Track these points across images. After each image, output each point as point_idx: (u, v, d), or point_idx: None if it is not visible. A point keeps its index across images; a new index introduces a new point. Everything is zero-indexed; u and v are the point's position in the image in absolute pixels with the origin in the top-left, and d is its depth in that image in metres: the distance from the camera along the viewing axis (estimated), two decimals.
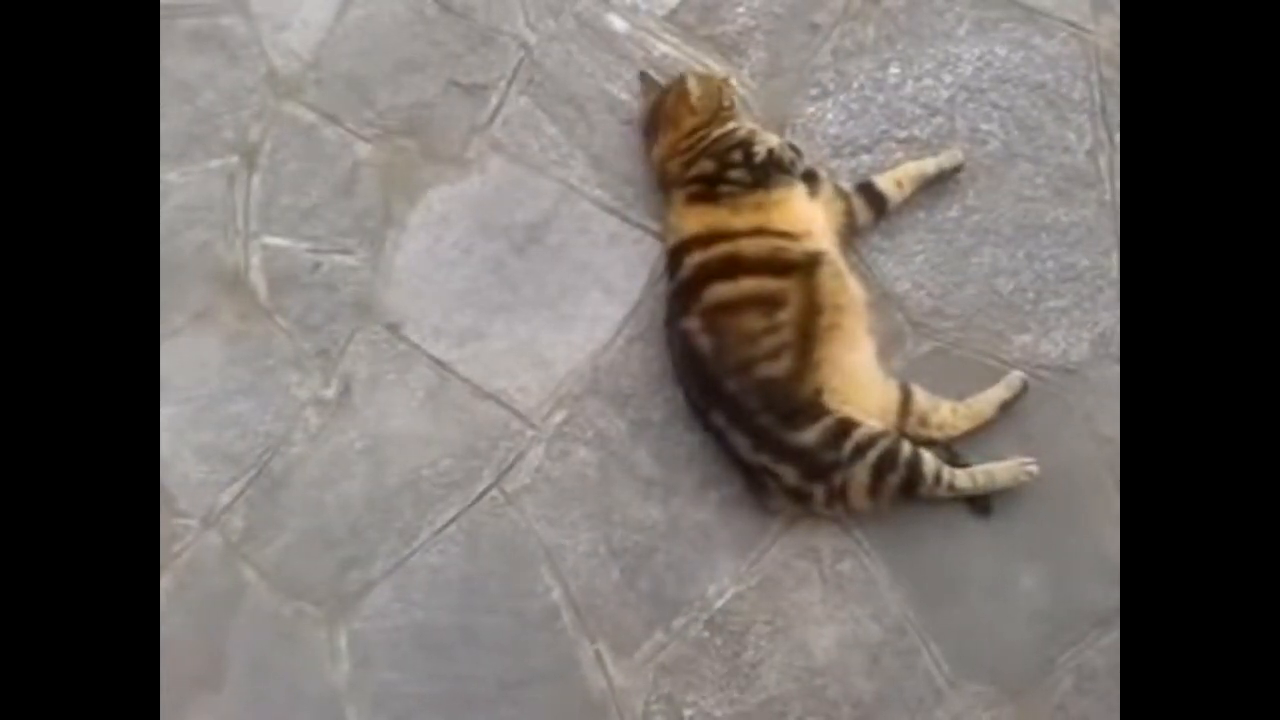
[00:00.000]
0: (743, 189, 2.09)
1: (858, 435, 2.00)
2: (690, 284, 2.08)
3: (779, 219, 2.08)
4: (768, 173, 2.09)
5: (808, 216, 2.09)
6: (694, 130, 2.13)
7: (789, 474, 2.03)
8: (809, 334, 2.03)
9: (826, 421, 2.00)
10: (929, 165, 2.15)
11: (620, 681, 2.11)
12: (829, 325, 2.03)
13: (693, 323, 2.07)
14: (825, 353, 2.03)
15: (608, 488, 2.14)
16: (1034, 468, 2.03)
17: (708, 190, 2.11)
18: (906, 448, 2.01)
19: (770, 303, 2.04)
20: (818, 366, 2.02)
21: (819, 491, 2.03)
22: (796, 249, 2.06)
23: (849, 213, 2.13)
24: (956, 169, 2.15)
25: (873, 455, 1.99)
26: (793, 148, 2.13)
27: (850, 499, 2.02)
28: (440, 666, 2.13)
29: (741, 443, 2.05)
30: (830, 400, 2.02)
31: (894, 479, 2.00)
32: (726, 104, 2.14)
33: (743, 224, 2.08)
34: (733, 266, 2.06)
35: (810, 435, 2.00)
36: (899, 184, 2.14)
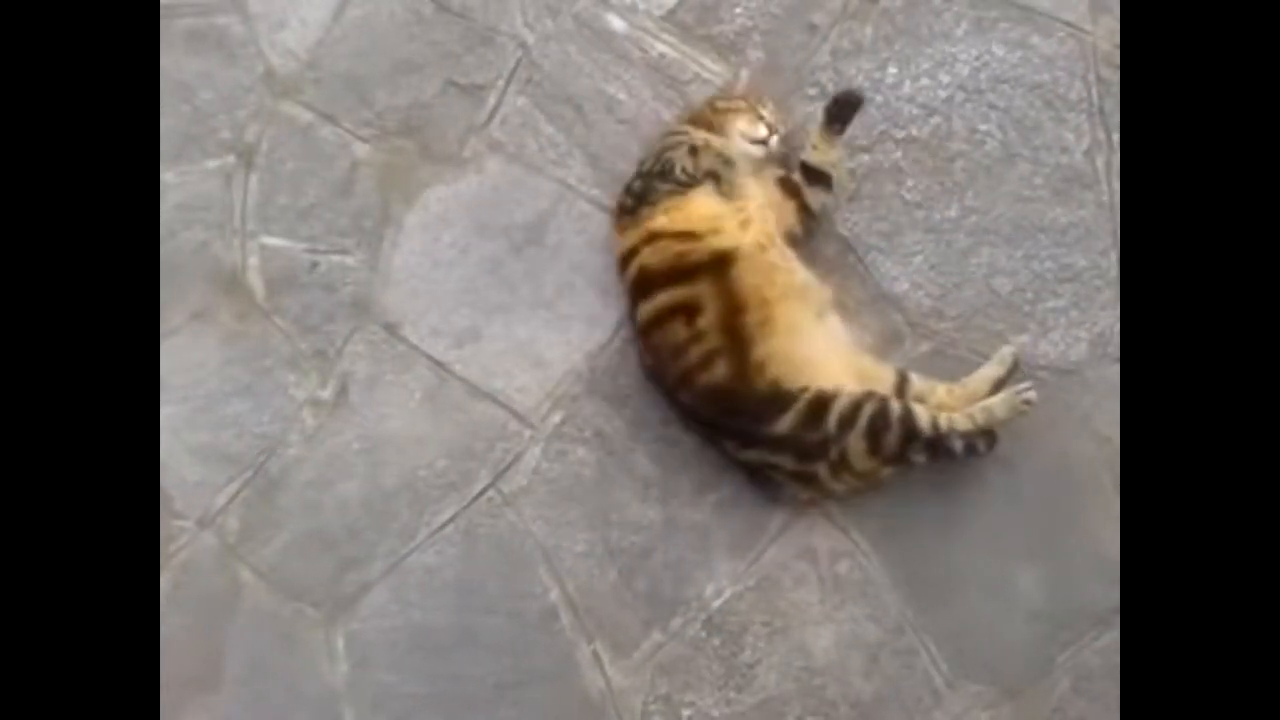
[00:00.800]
0: (634, 201, 2.10)
1: (839, 407, 1.98)
2: (629, 303, 2.10)
3: (669, 222, 2.06)
4: (652, 185, 2.08)
5: (712, 215, 2.05)
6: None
7: (786, 461, 2.03)
8: (738, 336, 2.01)
9: (797, 405, 1.99)
10: (820, 115, 2.10)
11: (618, 682, 2.11)
12: (759, 321, 2.01)
13: (640, 342, 2.10)
14: (766, 349, 2.00)
15: (605, 488, 2.14)
16: (1031, 394, 2.01)
17: (622, 201, 2.13)
18: (896, 405, 1.99)
19: (688, 310, 2.02)
20: (762, 365, 2.00)
21: (821, 469, 2.02)
22: (701, 249, 2.03)
23: (804, 207, 2.11)
24: (841, 98, 2.08)
25: (863, 421, 1.98)
26: (693, 151, 2.09)
27: (853, 466, 2.01)
28: (438, 667, 2.13)
29: (729, 445, 2.06)
30: (793, 385, 2.00)
31: (891, 438, 1.98)
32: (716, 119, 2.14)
33: (639, 236, 2.08)
34: (646, 283, 2.06)
35: (786, 423, 1.99)
36: (815, 148, 2.09)
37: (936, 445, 2.00)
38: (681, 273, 2.03)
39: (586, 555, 2.13)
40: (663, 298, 2.04)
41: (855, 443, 1.99)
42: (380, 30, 2.26)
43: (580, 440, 2.16)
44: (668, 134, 2.15)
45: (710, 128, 2.14)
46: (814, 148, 2.09)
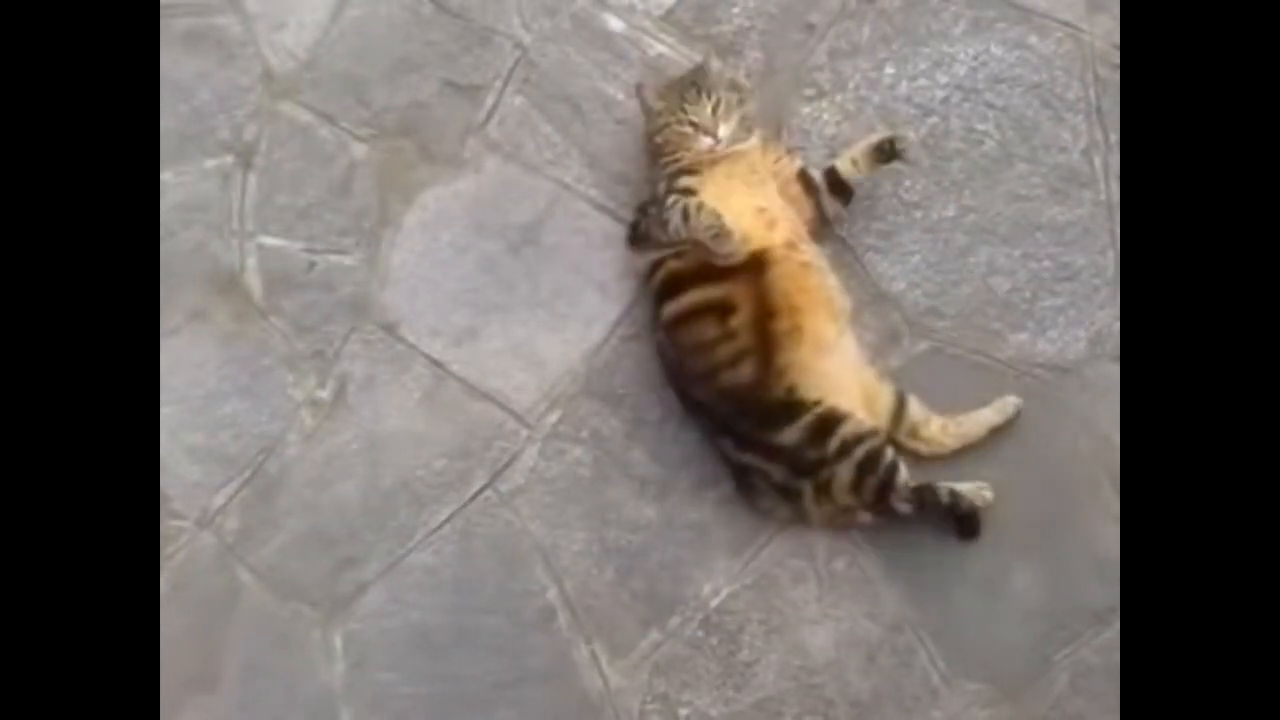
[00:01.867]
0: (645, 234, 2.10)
1: (843, 432, 1.99)
2: (656, 296, 2.09)
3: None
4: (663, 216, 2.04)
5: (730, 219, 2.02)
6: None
7: (777, 472, 2.03)
8: (767, 339, 2.01)
9: (806, 419, 2.00)
10: (873, 139, 2.09)
11: (616, 681, 2.10)
12: (788, 329, 2.00)
13: (660, 335, 2.09)
14: (789, 358, 2.00)
15: (602, 487, 2.14)
16: (989, 493, 2.03)
17: (634, 229, 2.13)
18: (889, 454, 2.01)
19: (720, 309, 2.02)
20: (783, 372, 2.00)
21: (807, 488, 2.02)
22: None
23: (818, 206, 2.10)
24: (900, 147, 2.07)
25: (859, 453, 1.99)
26: (693, 208, 2.02)
27: (834, 495, 2.02)
28: (435, 667, 2.12)
29: (726, 444, 2.07)
30: (806, 397, 2.00)
31: (873, 481, 2.00)
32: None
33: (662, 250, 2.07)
34: (674, 282, 2.05)
35: (791, 434, 2.00)
36: (855, 163, 2.08)
37: (923, 500, 2.01)
38: (713, 272, 2.02)
39: (584, 554, 2.13)
40: (693, 295, 2.04)
41: (843, 473, 2.00)
42: (378, 30, 2.26)
43: (577, 440, 2.16)
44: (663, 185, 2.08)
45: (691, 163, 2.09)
46: (852, 163, 2.08)
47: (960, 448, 2.07)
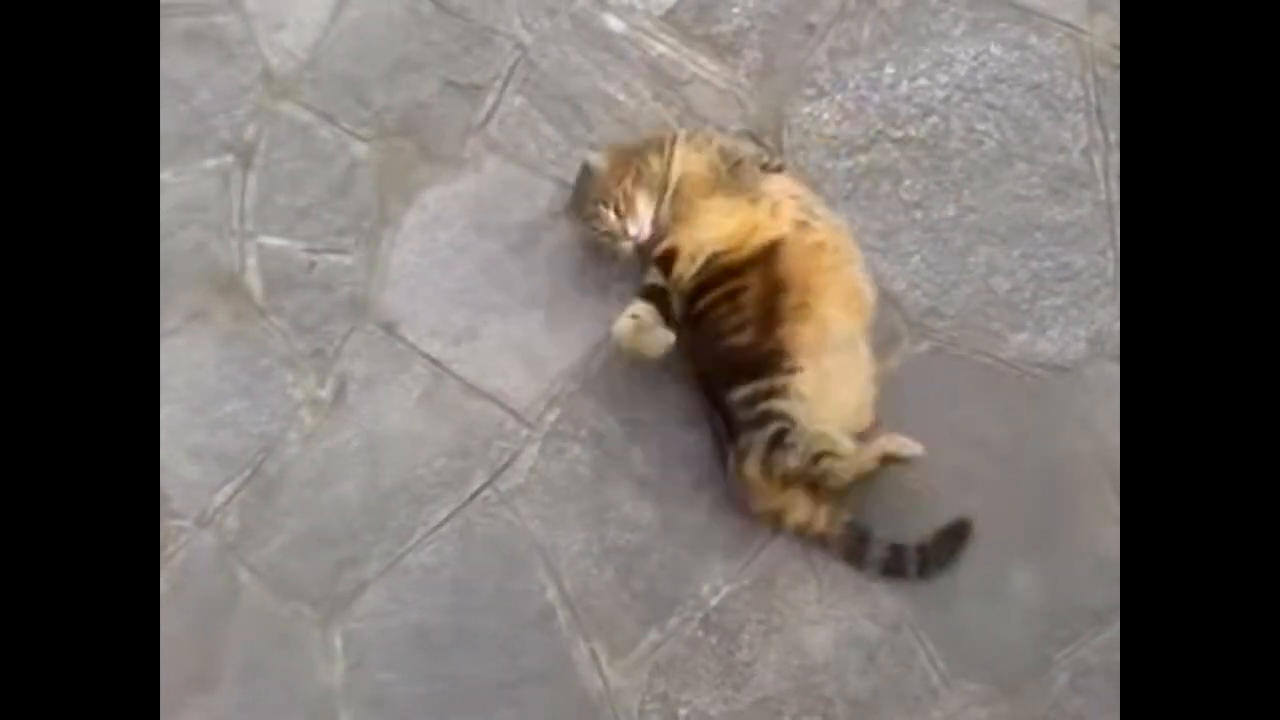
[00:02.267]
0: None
1: (773, 404, 1.98)
2: (683, 310, 2.09)
3: (708, 242, 2.06)
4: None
5: (737, 226, 2.06)
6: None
7: (719, 427, 2.05)
8: (772, 310, 2.02)
9: (772, 377, 1.99)
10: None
11: (615, 681, 2.10)
12: (796, 305, 2.01)
13: (689, 337, 2.09)
14: (790, 329, 2.00)
15: (602, 487, 2.14)
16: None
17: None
18: (799, 439, 1.98)
19: (734, 292, 2.04)
20: (781, 340, 2.00)
21: (730, 455, 2.03)
22: (745, 250, 2.04)
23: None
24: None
25: (772, 428, 1.98)
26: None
27: (746, 465, 2.01)
28: (435, 667, 2.12)
29: (718, 421, 2.07)
30: (785, 360, 1.99)
31: (780, 457, 1.98)
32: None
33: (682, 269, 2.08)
34: (701, 288, 2.06)
35: (742, 391, 2.00)
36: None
37: (892, 571, 2.05)
38: (732, 270, 2.04)
39: (583, 554, 2.13)
40: (715, 292, 2.05)
41: (758, 442, 1.99)
42: (378, 30, 2.26)
43: (576, 439, 2.16)
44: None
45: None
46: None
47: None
